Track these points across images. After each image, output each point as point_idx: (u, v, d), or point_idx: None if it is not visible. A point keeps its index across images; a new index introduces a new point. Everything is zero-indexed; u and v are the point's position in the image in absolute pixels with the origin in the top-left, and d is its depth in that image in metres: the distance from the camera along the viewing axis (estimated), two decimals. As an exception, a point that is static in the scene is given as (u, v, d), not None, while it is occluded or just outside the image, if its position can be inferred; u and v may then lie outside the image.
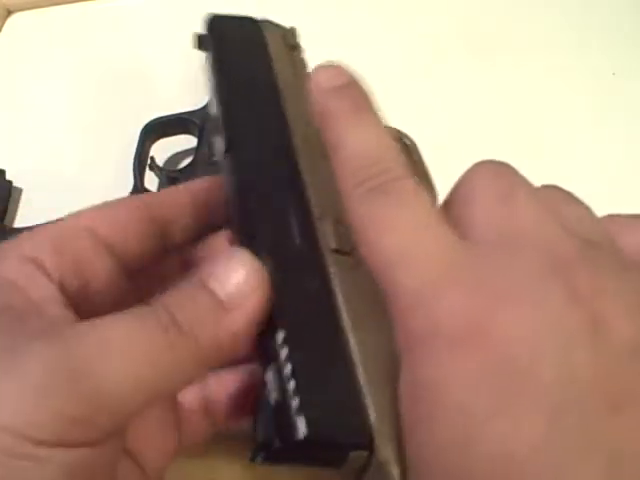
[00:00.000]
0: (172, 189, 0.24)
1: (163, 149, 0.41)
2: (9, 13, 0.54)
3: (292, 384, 0.16)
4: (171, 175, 0.39)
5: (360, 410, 0.16)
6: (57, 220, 0.21)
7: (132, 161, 0.38)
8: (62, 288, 0.19)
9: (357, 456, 0.16)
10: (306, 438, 0.15)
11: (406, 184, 0.17)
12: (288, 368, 0.16)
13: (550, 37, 0.47)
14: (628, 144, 0.41)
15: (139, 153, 0.38)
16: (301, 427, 0.15)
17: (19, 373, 0.15)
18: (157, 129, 0.40)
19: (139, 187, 0.37)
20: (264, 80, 0.25)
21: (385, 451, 0.16)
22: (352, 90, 0.19)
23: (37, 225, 0.36)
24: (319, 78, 0.19)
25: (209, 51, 0.28)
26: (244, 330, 0.17)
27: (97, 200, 0.37)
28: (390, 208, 0.16)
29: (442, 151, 0.40)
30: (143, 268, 0.22)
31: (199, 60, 0.46)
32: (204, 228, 0.24)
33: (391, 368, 0.16)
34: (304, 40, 0.46)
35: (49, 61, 0.51)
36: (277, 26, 0.30)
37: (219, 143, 0.23)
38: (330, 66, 0.20)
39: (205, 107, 0.40)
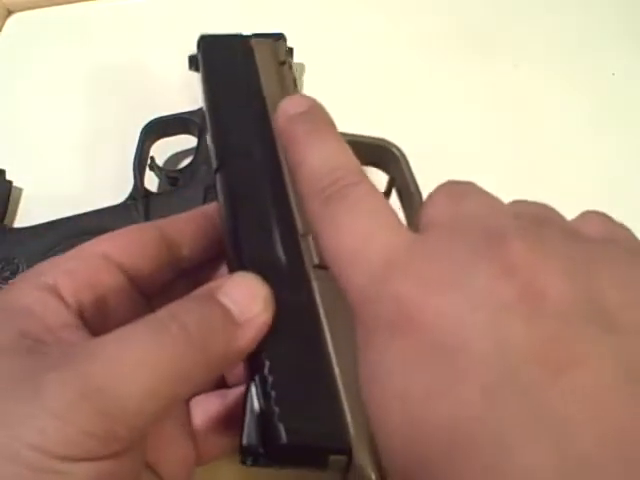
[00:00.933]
0: (183, 214, 0.25)
1: (163, 149, 0.41)
2: (9, 13, 0.54)
3: (274, 394, 0.18)
4: (171, 175, 0.39)
5: (338, 417, 0.18)
6: (73, 249, 0.22)
7: (132, 161, 0.38)
8: (79, 312, 0.20)
9: (337, 460, 0.17)
10: (287, 444, 0.17)
11: (359, 189, 0.18)
12: (270, 379, 0.18)
13: (550, 37, 0.47)
14: (628, 144, 0.41)
15: (139, 153, 0.38)
16: (282, 434, 0.17)
17: (41, 400, 0.15)
18: (157, 129, 0.40)
19: (139, 187, 0.37)
20: (252, 98, 0.26)
21: (362, 455, 0.17)
22: (311, 114, 0.20)
23: (37, 225, 0.36)
24: (284, 107, 0.21)
25: (199, 72, 0.29)
26: (251, 346, 0.18)
27: (97, 200, 0.37)
28: (343, 213, 0.17)
29: (442, 151, 0.40)
30: (156, 291, 0.23)
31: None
32: (214, 251, 0.25)
33: None
34: (303, 41, 0.47)
35: (49, 61, 0.51)
36: (266, 39, 0.30)
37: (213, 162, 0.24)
38: (294, 96, 0.22)
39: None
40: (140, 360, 0.16)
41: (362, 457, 0.17)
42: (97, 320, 0.20)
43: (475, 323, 0.14)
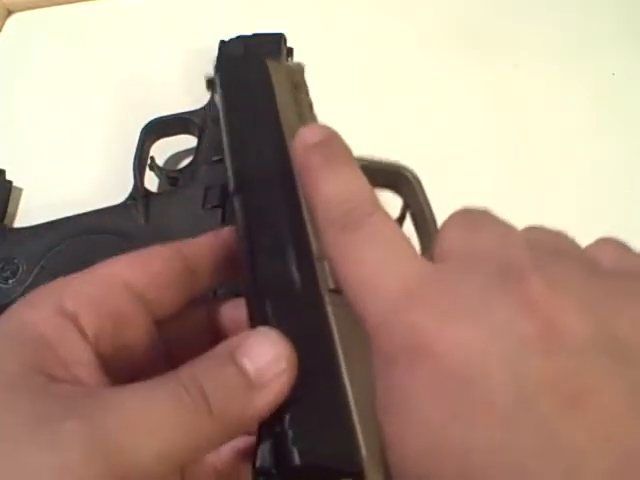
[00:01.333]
0: (201, 238, 0.24)
1: (163, 149, 0.41)
2: (9, 13, 0.54)
3: (287, 416, 0.18)
4: (171, 175, 0.39)
5: (350, 439, 0.18)
6: (93, 269, 0.21)
7: (132, 161, 0.38)
8: (96, 346, 0.19)
9: None
10: (300, 465, 0.17)
11: (373, 219, 0.18)
12: (284, 401, 0.18)
13: (550, 37, 0.47)
14: (628, 144, 0.41)
15: (139, 153, 0.38)
16: (295, 455, 0.17)
17: (59, 450, 0.15)
18: (157, 129, 0.40)
19: (139, 187, 0.37)
20: (270, 123, 0.26)
21: (374, 477, 0.17)
22: (327, 144, 0.20)
23: (37, 225, 0.36)
24: (301, 136, 0.21)
25: (218, 93, 0.29)
26: (269, 409, 0.18)
27: (97, 200, 0.37)
28: (359, 242, 0.17)
29: (442, 150, 0.40)
30: (169, 317, 0.23)
31: (199, 60, 0.46)
32: (229, 275, 0.25)
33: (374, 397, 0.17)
34: (303, 41, 0.47)
35: (49, 61, 0.51)
36: (283, 64, 0.31)
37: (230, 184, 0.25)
38: (312, 125, 0.22)
39: (205, 107, 0.40)
40: (158, 423, 0.16)
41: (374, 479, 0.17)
42: (111, 352, 0.20)
43: (493, 354, 0.14)
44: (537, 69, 0.45)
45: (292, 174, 0.24)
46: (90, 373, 0.18)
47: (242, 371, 0.18)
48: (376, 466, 0.17)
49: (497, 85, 0.45)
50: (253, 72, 0.29)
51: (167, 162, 0.42)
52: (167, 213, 0.35)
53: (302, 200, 0.23)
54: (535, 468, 0.13)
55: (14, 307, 0.19)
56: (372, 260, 0.17)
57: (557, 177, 0.40)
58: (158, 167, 0.39)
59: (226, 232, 0.25)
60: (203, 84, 0.42)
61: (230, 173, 0.25)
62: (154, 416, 0.16)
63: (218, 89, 0.29)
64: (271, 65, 0.29)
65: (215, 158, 0.37)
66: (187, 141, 0.41)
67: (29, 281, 0.33)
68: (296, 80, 0.32)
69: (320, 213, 0.19)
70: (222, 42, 0.44)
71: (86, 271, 0.20)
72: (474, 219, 0.18)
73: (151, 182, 0.40)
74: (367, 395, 0.18)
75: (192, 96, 0.42)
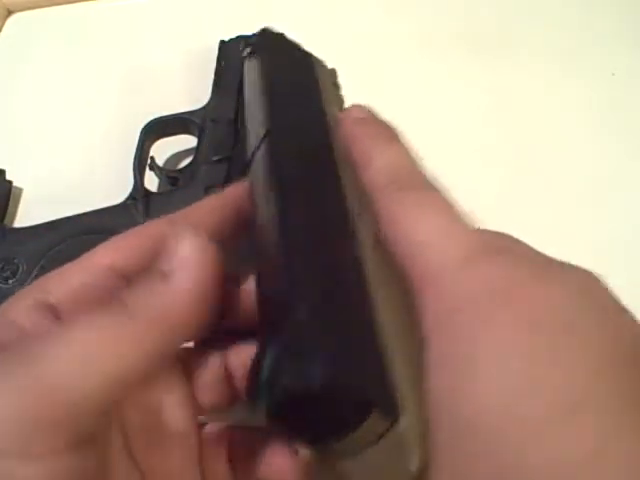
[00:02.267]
0: (199, 203, 0.24)
1: (163, 149, 0.41)
2: (9, 13, 0.54)
3: (312, 331, 0.15)
4: (171, 175, 0.39)
5: (385, 375, 0.15)
6: (77, 261, 0.20)
7: (132, 161, 0.38)
8: None
9: (376, 420, 0.14)
10: (323, 387, 0.13)
11: (433, 189, 0.19)
12: (311, 309, 0.15)
13: (550, 37, 0.47)
14: (628, 144, 0.41)
15: (139, 153, 0.38)
16: (320, 373, 0.14)
17: None
18: (157, 129, 0.40)
19: (139, 187, 0.37)
20: (309, 94, 0.25)
21: (409, 421, 0.15)
22: (377, 120, 0.22)
23: (37, 225, 0.36)
24: (351, 110, 0.22)
25: (259, 54, 0.28)
26: (192, 301, 0.17)
27: (97, 200, 0.37)
28: (421, 201, 0.18)
29: (442, 150, 0.40)
30: None
31: (199, 60, 0.46)
32: (234, 240, 0.24)
33: (409, 346, 0.16)
34: (303, 40, 0.47)
35: (49, 61, 0.51)
36: (322, 63, 0.31)
37: (252, 138, 0.23)
38: (359, 104, 0.23)
39: (205, 107, 0.40)
40: (84, 344, 0.16)
41: (408, 424, 0.15)
42: None
43: (585, 308, 0.14)
44: (537, 69, 0.45)
45: (327, 133, 0.22)
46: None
47: (154, 269, 0.18)
48: (410, 412, 0.15)
49: (497, 85, 0.45)
50: (296, 52, 0.29)
51: (167, 162, 0.42)
52: (167, 213, 0.35)
53: (337, 156, 0.21)
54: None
55: (4, 303, 0.19)
56: (437, 217, 0.17)
57: (557, 177, 0.40)
58: (158, 167, 0.39)
59: (230, 193, 0.24)
60: (203, 84, 0.42)
61: (258, 121, 0.23)
62: (79, 338, 0.16)
63: (259, 50, 0.28)
64: (314, 59, 0.29)
65: (215, 158, 0.37)
66: (187, 141, 0.41)
67: (29, 281, 0.33)
68: (335, 81, 0.32)
69: (377, 176, 0.19)
70: (222, 42, 0.44)
71: (70, 263, 0.20)
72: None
73: (151, 182, 0.40)
74: (401, 343, 0.16)
75: (192, 96, 0.42)
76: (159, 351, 0.17)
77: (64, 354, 0.15)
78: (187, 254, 0.18)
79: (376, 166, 0.19)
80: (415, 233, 0.17)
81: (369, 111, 0.22)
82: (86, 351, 0.16)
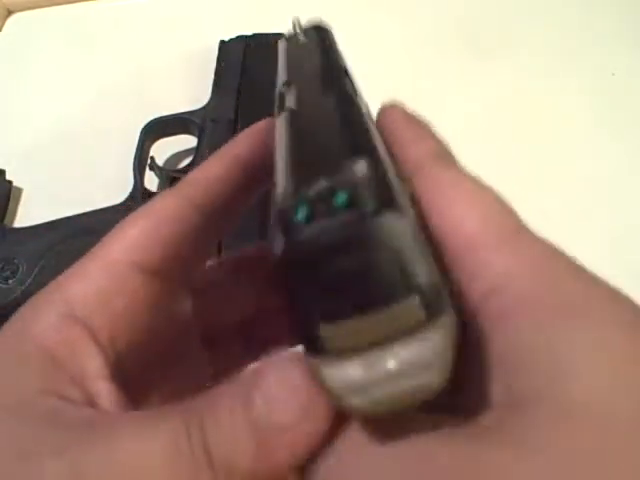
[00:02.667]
0: (214, 163, 0.20)
1: (163, 149, 0.41)
2: (9, 13, 0.54)
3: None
4: (171, 175, 0.39)
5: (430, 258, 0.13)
6: (93, 256, 0.18)
7: (132, 161, 0.38)
8: (113, 348, 0.17)
9: (411, 307, 0.12)
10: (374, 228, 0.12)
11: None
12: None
13: (550, 37, 0.47)
14: (628, 144, 0.41)
15: (139, 153, 0.38)
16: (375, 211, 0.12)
17: None
18: (157, 129, 0.40)
19: (139, 187, 0.37)
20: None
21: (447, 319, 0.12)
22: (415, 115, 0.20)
23: (37, 225, 0.36)
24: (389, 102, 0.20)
25: (317, 34, 0.26)
26: (287, 465, 0.14)
27: (97, 200, 0.37)
28: (463, 178, 0.16)
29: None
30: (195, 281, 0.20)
31: (199, 60, 0.46)
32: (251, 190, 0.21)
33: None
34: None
35: (49, 61, 0.51)
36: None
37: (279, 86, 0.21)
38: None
39: (205, 107, 0.40)
40: (146, 474, 0.13)
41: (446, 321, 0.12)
42: (132, 346, 0.17)
43: None
44: (537, 69, 0.45)
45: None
46: (103, 387, 0.16)
47: (254, 422, 0.14)
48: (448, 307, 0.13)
49: (497, 85, 0.45)
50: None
51: (167, 162, 0.42)
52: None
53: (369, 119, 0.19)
54: None
55: (18, 317, 0.17)
56: (483, 201, 0.16)
57: (557, 177, 0.40)
58: (158, 167, 0.39)
59: (249, 136, 0.20)
60: (203, 84, 0.42)
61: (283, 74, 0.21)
62: (142, 465, 0.13)
63: (319, 34, 0.27)
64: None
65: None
66: (187, 141, 0.41)
67: (29, 281, 0.33)
68: None
69: (415, 149, 0.17)
70: (222, 42, 0.44)
71: (87, 260, 0.17)
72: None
73: (151, 182, 0.40)
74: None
75: (192, 96, 0.42)
76: None
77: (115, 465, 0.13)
78: (292, 417, 0.14)
79: (419, 146, 0.18)
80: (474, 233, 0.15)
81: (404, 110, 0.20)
82: None
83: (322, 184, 0.13)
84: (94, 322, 0.17)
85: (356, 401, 0.12)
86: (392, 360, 0.12)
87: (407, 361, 0.12)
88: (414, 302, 0.12)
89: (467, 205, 0.16)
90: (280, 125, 0.18)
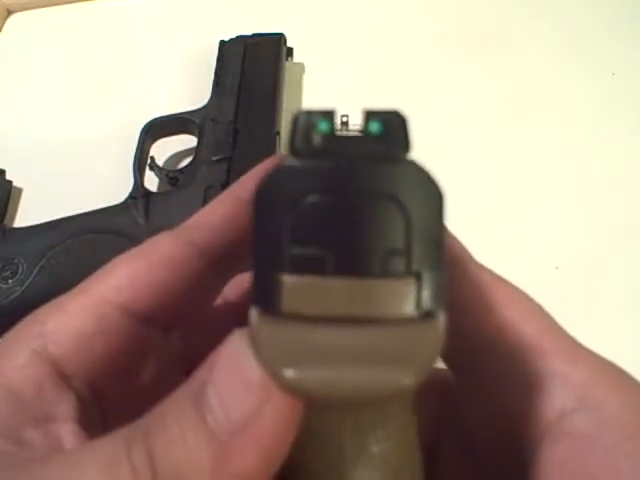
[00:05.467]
0: (217, 210, 0.18)
1: (163, 149, 0.41)
2: (9, 13, 0.54)
3: None
4: (171, 175, 0.39)
5: None
6: (79, 292, 0.16)
7: (132, 161, 0.38)
8: (85, 391, 0.16)
9: (405, 289, 0.11)
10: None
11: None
12: None
13: (549, 37, 0.47)
14: (628, 144, 0.41)
15: (139, 153, 0.38)
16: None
17: None
18: (157, 129, 0.40)
19: (139, 187, 0.37)
20: None
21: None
22: None
23: (37, 225, 0.36)
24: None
25: None
26: (256, 470, 0.12)
27: (97, 200, 0.37)
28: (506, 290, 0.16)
29: (441, 151, 0.40)
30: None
31: (199, 60, 0.46)
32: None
33: None
34: (303, 41, 0.47)
35: (49, 61, 0.51)
36: None
37: None
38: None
39: (205, 107, 0.40)
40: None
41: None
42: (113, 383, 0.16)
43: None
44: (537, 69, 0.45)
45: None
46: (68, 429, 0.15)
47: (209, 424, 0.12)
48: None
49: (497, 85, 0.45)
50: None
51: (167, 162, 0.42)
52: (167, 213, 0.35)
53: None
54: None
55: None
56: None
57: (557, 176, 0.40)
58: (158, 167, 0.39)
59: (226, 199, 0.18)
60: (203, 84, 0.42)
61: None
62: None
63: None
64: None
65: (215, 158, 0.37)
66: (187, 141, 0.41)
67: (29, 281, 0.33)
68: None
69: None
70: (222, 42, 0.44)
71: (71, 296, 0.16)
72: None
73: (151, 182, 0.40)
74: None
75: (192, 96, 0.42)
76: None
77: None
78: (248, 411, 0.12)
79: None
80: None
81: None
82: None
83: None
84: (68, 362, 0.15)
85: (290, 374, 0.10)
86: (360, 338, 0.10)
87: (381, 346, 0.10)
88: (410, 287, 0.10)
89: (521, 308, 0.15)
90: None
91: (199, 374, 0.13)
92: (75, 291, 0.16)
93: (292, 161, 0.11)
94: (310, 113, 0.11)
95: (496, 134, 0.42)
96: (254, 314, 0.11)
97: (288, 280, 0.10)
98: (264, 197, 0.11)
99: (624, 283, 0.34)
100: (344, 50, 0.48)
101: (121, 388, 0.17)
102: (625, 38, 0.46)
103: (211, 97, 0.41)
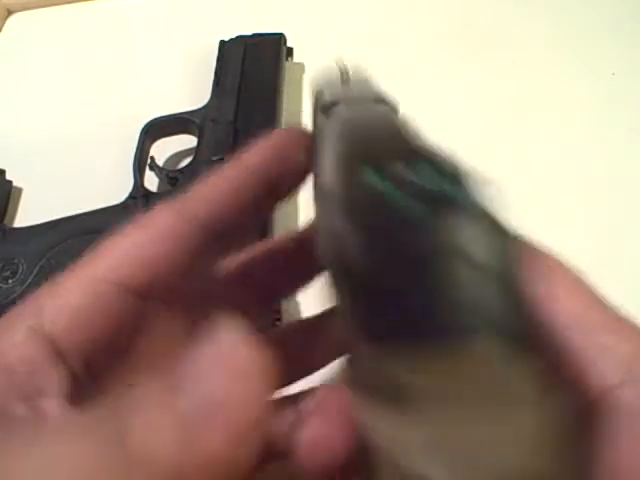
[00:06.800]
0: (207, 181, 0.18)
1: (163, 149, 0.41)
2: (9, 13, 0.54)
3: None
4: (171, 175, 0.39)
5: None
6: (77, 270, 0.16)
7: (132, 161, 0.38)
8: (80, 369, 0.16)
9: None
10: None
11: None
12: None
13: (549, 37, 0.47)
14: (628, 144, 0.41)
15: (139, 153, 0.38)
16: None
17: None
18: (157, 129, 0.40)
19: (139, 187, 0.37)
20: None
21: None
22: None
23: (37, 225, 0.36)
24: None
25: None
26: (226, 457, 0.12)
27: (97, 200, 0.37)
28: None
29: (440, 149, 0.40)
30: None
31: (199, 60, 0.46)
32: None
33: None
34: (303, 41, 0.47)
35: (49, 61, 0.51)
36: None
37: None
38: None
39: (205, 107, 0.40)
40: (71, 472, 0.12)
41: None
42: (108, 358, 0.16)
43: None
44: (537, 69, 0.45)
45: None
46: (58, 404, 0.15)
47: (179, 406, 0.12)
48: None
49: (497, 85, 0.45)
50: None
51: (167, 162, 0.42)
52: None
53: None
54: None
55: None
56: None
57: (557, 177, 0.40)
58: (158, 167, 0.39)
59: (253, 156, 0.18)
60: (203, 84, 0.42)
61: None
62: (65, 461, 0.12)
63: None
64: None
65: (215, 158, 0.37)
66: (187, 141, 0.41)
67: (29, 281, 0.33)
68: None
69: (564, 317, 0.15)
70: (222, 42, 0.44)
71: (67, 275, 0.16)
72: None
73: (151, 182, 0.40)
74: None
75: (192, 96, 0.42)
76: None
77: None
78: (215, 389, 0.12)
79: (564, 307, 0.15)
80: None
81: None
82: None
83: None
84: (63, 339, 0.16)
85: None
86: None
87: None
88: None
89: (564, 282, 0.15)
90: (331, 124, 0.16)
91: (181, 355, 0.13)
92: (72, 270, 0.16)
93: None
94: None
95: (496, 134, 0.42)
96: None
97: None
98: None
99: (624, 283, 0.34)
100: (344, 50, 0.48)
101: (118, 364, 0.16)
102: (625, 38, 0.46)
103: (211, 97, 0.41)
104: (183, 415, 0.12)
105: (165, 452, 0.12)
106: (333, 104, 0.18)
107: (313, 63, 0.47)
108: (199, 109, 0.40)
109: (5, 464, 0.12)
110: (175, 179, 0.39)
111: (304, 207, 0.40)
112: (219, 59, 0.43)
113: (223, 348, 0.12)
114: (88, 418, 0.13)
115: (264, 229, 0.33)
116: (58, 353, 0.15)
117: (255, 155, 0.18)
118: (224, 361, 0.12)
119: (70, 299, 0.16)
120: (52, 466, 0.12)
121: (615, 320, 0.15)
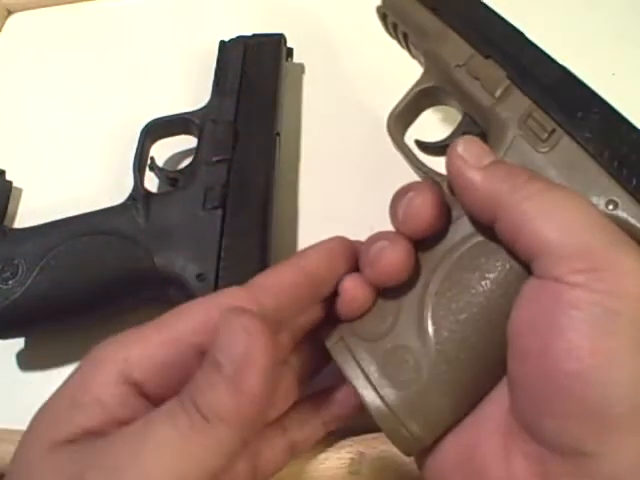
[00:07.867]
0: (273, 273, 0.23)
1: (163, 149, 0.41)
2: (9, 13, 0.54)
3: None
4: (171, 176, 0.39)
5: None
6: (162, 324, 0.21)
7: (132, 161, 0.38)
8: (158, 402, 0.19)
9: None
10: None
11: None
12: None
13: (549, 37, 0.47)
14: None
15: (139, 153, 0.38)
16: None
17: None
18: (157, 129, 0.40)
19: (139, 187, 0.37)
20: None
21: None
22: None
23: (37, 225, 0.36)
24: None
25: None
26: (262, 390, 0.18)
27: (97, 200, 0.37)
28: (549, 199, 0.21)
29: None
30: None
31: (199, 60, 0.46)
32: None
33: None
34: (303, 41, 0.47)
35: (49, 61, 0.51)
36: None
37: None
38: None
39: (205, 107, 0.40)
40: (162, 447, 0.17)
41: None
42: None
43: None
44: (537, 69, 0.45)
45: None
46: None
47: (220, 370, 0.18)
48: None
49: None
50: None
51: (167, 162, 0.42)
52: (167, 213, 0.35)
53: None
54: None
55: (78, 371, 0.20)
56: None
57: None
58: (158, 167, 0.39)
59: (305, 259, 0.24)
60: (203, 84, 0.42)
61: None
62: (156, 440, 0.17)
63: None
64: None
65: (215, 158, 0.37)
66: (187, 141, 0.41)
67: (29, 282, 0.32)
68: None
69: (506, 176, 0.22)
70: (222, 42, 0.44)
71: (153, 328, 0.21)
72: None
73: (151, 182, 0.40)
74: None
75: (192, 96, 0.42)
76: (233, 448, 0.18)
77: (154, 457, 0.17)
78: (242, 350, 0.18)
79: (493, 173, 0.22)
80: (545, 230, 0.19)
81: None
82: (168, 456, 0.17)
83: None
84: (148, 385, 0.20)
85: None
86: None
87: None
88: None
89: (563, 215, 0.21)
90: None
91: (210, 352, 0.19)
92: (156, 324, 0.21)
93: None
94: None
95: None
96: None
97: None
98: None
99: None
100: (344, 50, 0.48)
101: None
102: (625, 38, 0.47)
103: (211, 97, 0.41)
104: (225, 373, 0.18)
105: (224, 402, 0.18)
106: None
107: (313, 63, 0.47)
108: (199, 109, 0.40)
109: (113, 464, 0.17)
110: (175, 180, 0.39)
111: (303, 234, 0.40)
112: (219, 59, 0.43)
113: (233, 326, 0.19)
114: (167, 407, 0.19)
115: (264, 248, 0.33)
116: (142, 394, 0.20)
117: (311, 258, 0.24)
118: (237, 333, 0.19)
119: (155, 353, 0.20)
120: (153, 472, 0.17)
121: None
